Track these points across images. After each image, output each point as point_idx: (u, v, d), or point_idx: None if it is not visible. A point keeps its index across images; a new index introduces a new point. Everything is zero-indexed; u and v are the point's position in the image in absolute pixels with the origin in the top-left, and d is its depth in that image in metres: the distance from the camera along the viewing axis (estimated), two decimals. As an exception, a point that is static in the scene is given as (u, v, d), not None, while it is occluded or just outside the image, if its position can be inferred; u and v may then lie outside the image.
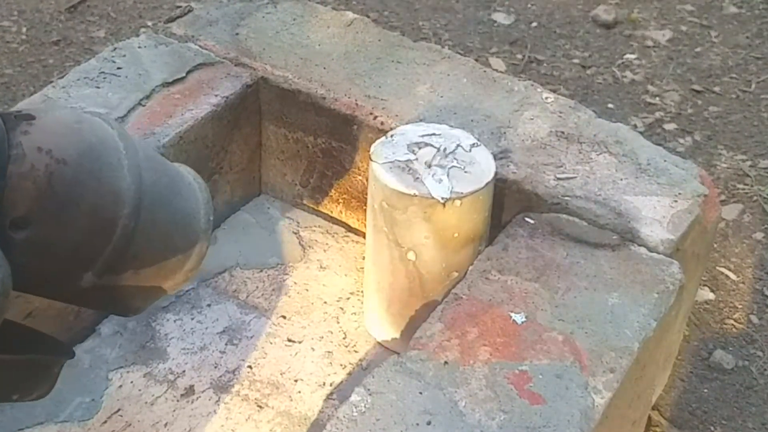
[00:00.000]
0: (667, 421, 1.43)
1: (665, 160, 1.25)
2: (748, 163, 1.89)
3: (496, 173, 1.15)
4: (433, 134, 1.18)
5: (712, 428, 1.42)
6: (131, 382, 1.17)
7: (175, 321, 1.25)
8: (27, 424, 1.12)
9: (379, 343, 1.25)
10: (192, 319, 1.26)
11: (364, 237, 1.25)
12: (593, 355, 1.01)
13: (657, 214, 1.17)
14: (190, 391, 1.17)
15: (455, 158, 1.15)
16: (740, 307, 1.61)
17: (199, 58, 1.36)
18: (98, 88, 1.29)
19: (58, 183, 0.81)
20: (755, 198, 1.82)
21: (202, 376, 1.19)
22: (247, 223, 1.41)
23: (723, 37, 2.25)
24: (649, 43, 2.22)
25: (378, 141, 1.18)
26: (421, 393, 0.97)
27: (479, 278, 1.10)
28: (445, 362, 1.00)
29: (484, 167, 1.14)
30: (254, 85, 1.34)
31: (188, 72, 1.33)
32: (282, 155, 1.40)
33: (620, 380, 1.00)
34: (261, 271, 1.33)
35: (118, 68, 1.33)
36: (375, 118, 1.29)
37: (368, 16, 1.96)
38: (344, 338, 1.25)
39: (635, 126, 1.96)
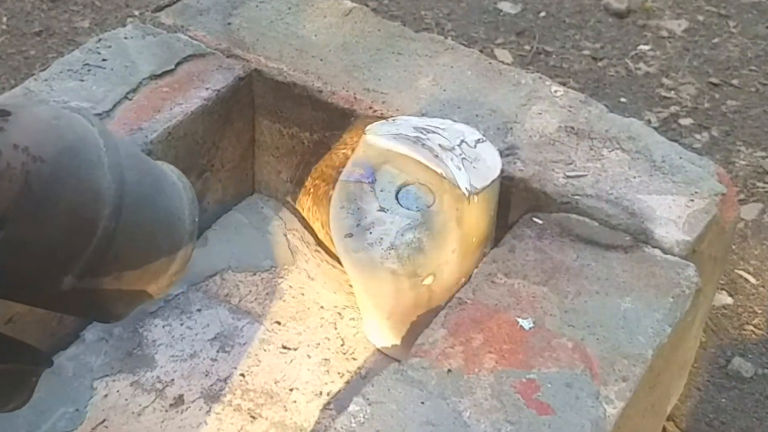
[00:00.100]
0: (682, 432, 1.43)
1: (681, 157, 1.24)
2: (768, 159, 1.89)
3: (502, 170, 1.14)
4: (438, 128, 1.17)
5: (730, 439, 1.42)
6: (117, 391, 1.17)
7: (163, 327, 1.25)
8: (7, 436, 1.12)
9: (378, 350, 1.24)
10: (181, 324, 1.25)
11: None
12: (605, 363, 1.01)
13: (672, 214, 1.16)
14: (179, 400, 1.17)
15: (462, 151, 1.14)
16: (760, 312, 1.60)
17: (188, 49, 1.35)
18: (82, 81, 1.29)
19: (36, 182, 0.80)
20: (776, 196, 1.81)
21: (192, 384, 1.18)
22: (239, 224, 1.40)
23: (742, 27, 2.24)
24: (664, 33, 2.22)
25: (375, 123, 1.17)
26: (423, 403, 0.97)
27: (484, 282, 1.09)
28: (449, 370, 1.00)
29: (489, 164, 1.14)
30: (247, 77, 1.34)
31: (177, 64, 1.33)
32: (276, 152, 1.40)
33: (633, 389, 0.99)
34: (254, 274, 1.33)
35: (104, 60, 1.32)
36: (374, 112, 1.28)
37: (367, 5, 1.95)
38: (342, 345, 1.24)
39: (649, 121, 1.95)
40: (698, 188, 1.20)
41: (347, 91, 1.31)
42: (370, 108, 1.29)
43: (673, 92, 2.05)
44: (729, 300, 1.62)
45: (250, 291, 1.31)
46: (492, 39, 2.18)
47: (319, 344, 1.24)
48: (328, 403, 1.17)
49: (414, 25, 2.16)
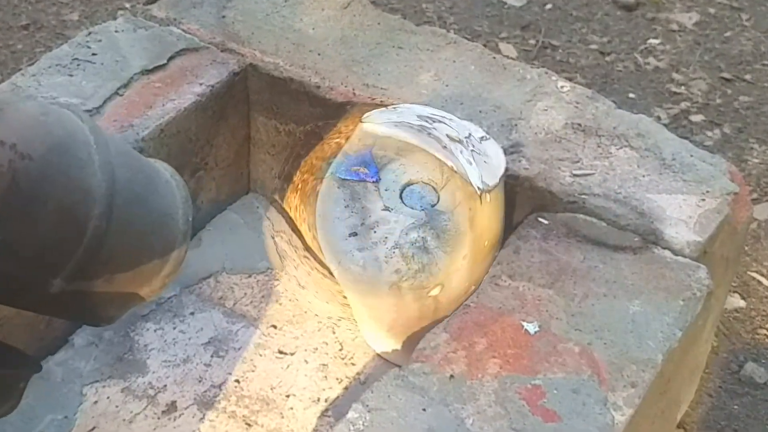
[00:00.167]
0: (693, 439, 1.43)
1: (692, 155, 1.24)
2: (782, 157, 1.90)
3: (507, 168, 1.14)
4: (444, 117, 1.17)
5: (743, 448, 1.42)
6: (107, 397, 1.17)
7: (155, 331, 1.25)
8: (-7, 444, 1.12)
9: (378, 355, 1.24)
10: (174, 328, 1.25)
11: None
12: (613, 368, 1.01)
13: (682, 213, 1.17)
14: (171, 407, 1.17)
15: (472, 145, 1.13)
16: (774, 315, 1.60)
17: (181, 43, 1.36)
18: (71, 76, 1.29)
19: (24, 180, 0.80)
20: (790, 196, 1.82)
21: (185, 391, 1.18)
22: (234, 224, 1.40)
23: (755, 20, 2.24)
24: (674, 26, 2.22)
25: (374, 111, 1.17)
26: (424, 410, 0.97)
27: (488, 284, 1.09)
28: (451, 376, 1.00)
29: (495, 162, 1.14)
30: (242, 72, 1.34)
31: (170, 58, 1.33)
32: (272, 149, 1.40)
33: (642, 396, 1.00)
34: (249, 276, 1.33)
35: (93, 54, 1.33)
36: (373, 100, 1.28)
37: (367, -2, 1.96)
38: (340, 350, 1.24)
39: (659, 118, 1.95)
40: (710, 187, 1.20)
41: (346, 86, 1.31)
42: (369, 98, 1.29)
43: (683, 88, 2.05)
44: (741, 303, 1.62)
45: (245, 294, 1.31)
46: (496, 33, 2.18)
47: (316, 349, 1.24)
48: (326, 410, 1.17)
49: (415, 19, 2.16)
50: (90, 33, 1.37)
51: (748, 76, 2.09)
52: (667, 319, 1.06)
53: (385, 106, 1.22)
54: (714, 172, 1.22)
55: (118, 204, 0.86)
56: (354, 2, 1.46)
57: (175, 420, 1.15)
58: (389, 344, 1.22)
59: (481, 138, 1.17)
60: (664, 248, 1.14)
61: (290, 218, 1.39)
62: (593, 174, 1.21)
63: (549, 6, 2.27)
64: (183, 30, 1.38)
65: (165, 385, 1.19)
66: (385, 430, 0.95)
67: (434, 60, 1.36)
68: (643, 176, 1.21)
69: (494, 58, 1.38)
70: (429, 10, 2.24)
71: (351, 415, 0.97)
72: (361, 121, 1.14)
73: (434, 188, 1.10)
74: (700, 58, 2.13)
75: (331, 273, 1.22)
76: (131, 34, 1.37)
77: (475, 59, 1.37)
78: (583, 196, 1.18)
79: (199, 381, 1.20)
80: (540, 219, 1.17)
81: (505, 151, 1.18)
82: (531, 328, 1.05)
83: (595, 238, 1.14)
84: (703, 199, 1.18)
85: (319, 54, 1.36)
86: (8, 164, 0.80)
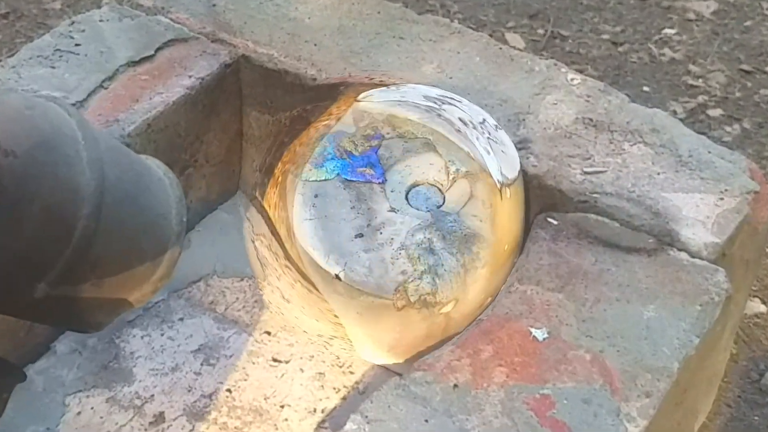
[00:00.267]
0: (711, 453, 1.43)
1: (709, 152, 1.25)
2: (806, 154, 1.90)
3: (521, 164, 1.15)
4: (454, 99, 1.17)
5: (763, 461, 1.43)
6: (92, 408, 1.17)
7: (142, 337, 1.25)
8: (-29, 457, 1.12)
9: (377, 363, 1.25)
10: (162, 335, 1.26)
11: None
12: (626, 377, 1.02)
13: (700, 213, 1.17)
14: (159, 418, 1.17)
15: (488, 132, 1.14)
16: (796, 321, 1.61)
17: (170, 34, 1.36)
18: (53, 68, 1.29)
19: (7, 178, 0.80)
20: (813, 195, 1.82)
21: (174, 401, 1.19)
22: (225, 224, 1.41)
23: (776, 9, 2.25)
24: (691, 15, 2.22)
25: (372, 90, 1.17)
26: (427, 421, 0.97)
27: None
28: (455, 385, 1.01)
29: (512, 153, 1.13)
30: (234, 64, 1.34)
31: (157, 49, 1.34)
32: (263, 144, 1.40)
33: (657, 406, 1.00)
34: (241, 279, 1.33)
35: (77, 45, 1.33)
36: (371, 80, 1.28)
37: (366, -15, 1.96)
38: (338, 358, 1.25)
39: (675, 112, 1.96)
40: (728, 185, 1.20)
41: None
42: (367, 78, 1.29)
43: (701, 80, 2.06)
44: (762, 308, 1.62)
45: (237, 298, 1.31)
46: (502, 22, 2.19)
47: (312, 357, 1.25)
48: (323, 421, 1.17)
49: (417, 7, 2.16)
50: (73, 22, 1.37)
51: (769, 68, 2.10)
52: (684, 325, 1.06)
53: (386, 85, 1.22)
54: (733, 169, 1.23)
55: (108, 203, 0.86)
56: (352, -10, 1.46)
57: (163, 432, 1.16)
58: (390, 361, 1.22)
59: (496, 126, 1.17)
60: (680, 250, 1.14)
61: (269, 219, 1.37)
62: (605, 171, 1.21)
63: (558, -7, 2.28)
64: (171, 19, 1.39)
65: (152, 395, 1.19)
66: (386, 442, 0.96)
67: (437, 51, 1.37)
68: (658, 174, 1.21)
69: (500, 48, 1.38)
70: (431, -3, 2.25)
71: (349, 426, 0.97)
72: (357, 101, 1.14)
73: (440, 189, 1.12)
74: (719, 48, 2.14)
75: (316, 287, 1.22)
76: (116, 24, 1.37)
77: (481, 50, 1.37)
78: (594, 195, 1.18)
79: (189, 390, 1.20)
80: (549, 219, 1.17)
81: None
82: (539, 334, 1.05)
83: (607, 240, 1.15)
84: (722, 198, 1.19)
85: (315, 44, 1.36)
86: (-9, 162, 0.80)
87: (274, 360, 1.24)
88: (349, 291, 1.08)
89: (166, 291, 1.29)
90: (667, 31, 2.18)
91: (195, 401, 1.19)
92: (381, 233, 1.09)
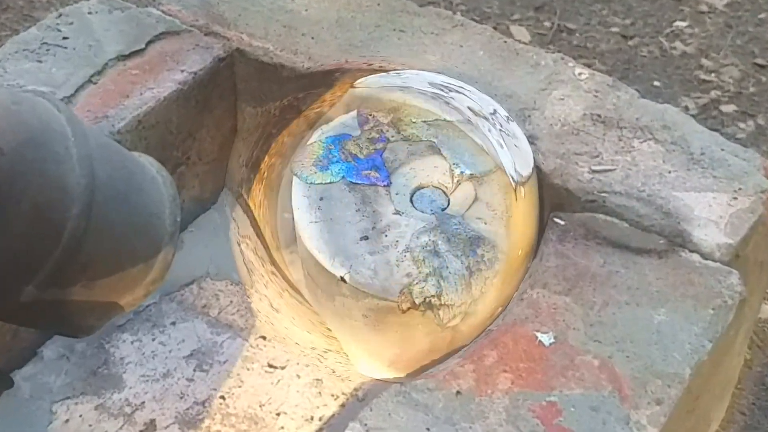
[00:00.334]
0: (724, 462, 1.43)
1: (722, 149, 1.25)
2: (823, 152, 1.90)
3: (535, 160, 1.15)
4: (462, 87, 1.17)
5: (778, 471, 1.43)
6: (80, 415, 1.18)
7: (132, 342, 1.25)
8: (-45, 467, 1.12)
9: (378, 368, 1.25)
10: (153, 339, 1.26)
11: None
12: (636, 384, 1.02)
13: (712, 213, 1.17)
14: (150, 426, 1.17)
15: (500, 124, 1.14)
16: (813, 325, 1.61)
17: (161, 26, 1.36)
18: (40, 62, 1.29)
19: None
20: (831, 194, 1.82)
21: (165, 408, 1.19)
22: (219, 225, 1.41)
23: (792, 1, 2.25)
24: (704, 7, 2.23)
25: (371, 76, 1.17)
26: (428, 429, 0.98)
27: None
28: (458, 392, 1.01)
29: (525, 147, 1.14)
30: (228, 58, 1.35)
31: (148, 43, 1.34)
32: (253, 138, 1.40)
33: (668, 414, 1.00)
34: (236, 283, 1.33)
35: (64, 38, 1.33)
36: (369, 65, 1.28)
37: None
38: (334, 371, 1.25)
39: (686, 108, 1.96)
40: (742, 184, 1.20)
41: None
42: (366, 63, 1.29)
43: (713, 75, 2.06)
44: (777, 312, 1.63)
45: (231, 302, 1.31)
46: (507, 14, 2.19)
47: (309, 363, 1.25)
48: (321, 430, 1.18)
49: (417, -2, 2.16)
50: (60, 15, 1.37)
51: (784, 62, 2.10)
52: (696, 330, 1.07)
53: (386, 71, 1.22)
54: (747, 167, 1.23)
55: (99, 202, 0.86)
56: (351, -19, 1.47)
57: (154, 440, 1.16)
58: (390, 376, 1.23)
59: (507, 118, 1.17)
60: (692, 251, 1.14)
61: (254, 219, 1.38)
62: (614, 170, 1.21)
63: (565, -16, 2.28)
64: (163, 11, 1.39)
65: (143, 402, 1.19)
66: (386, 451, 0.96)
67: (439, 44, 1.37)
68: (669, 172, 1.21)
69: (505, 42, 1.39)
70: (433, -12, 2.25)
71: (348, 434, 0.97)
72: (353, 86, 1.15)
73: (444, 192, 1.14)
74: (732, 42, 2.14)
75: (305, 298, 1.23)
76: (106, 16, 1.37)
77: (484, 43, 1.38)
78: (602, 194, 1.19)
79: (181, 397, 1.20)
80: (556, 219, 1.18)
81: (518, 145, 1.19)
82: (546, 339, 1.05)
83: (616, 241, 1.15)
84: (735, 198, 1.19)
85: (312, 38, 1.36)
86: (-24, 159, 0.80)
87: (270, 366, 1.24)
88: (354, 293, 1.09)
89: (158, 294, 1.29)
90: (679, 23, 2.18)
91: (187, 408, 1.19)
92: (386, 236, 1.11)
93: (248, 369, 1.23)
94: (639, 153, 1.24)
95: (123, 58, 1.31)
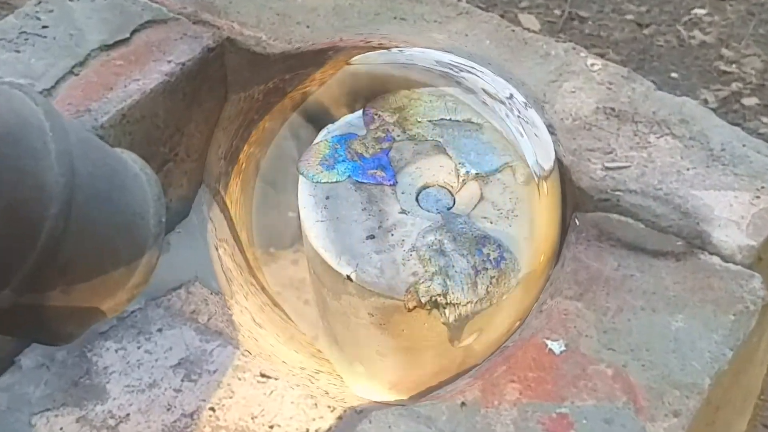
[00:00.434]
0: (746, 478, 1.43)
1: (744, 145, 1.25)
2: None
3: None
4: (475, 68, 1.18)
5: (804, 488, 1.43)
6: (61, 428, 1.17)
7: (116, 350, 1.25)
8: (-73, 483, 1.12)
9: (377, 378, 1.25)
10: (138, 348, 1.26)
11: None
12: (652, 394, 1.02)
13: (734, 213, 1.17)
14: (135, 440, 1.17)
15: (517, 109, 1.15)
16: (840, 332, 1.61)
17: (147, 14, 1.36)
18: (18, 52, 1.29)
19: None
20: None
21: (152, 420, 1.19)
22: (196, 226, 1.40)
23: (818, -13, 2.25)
24: (724, -6, 2.23)
25: (368, 53, 1.19)
26: (431, 443, 0.98)
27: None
28: (463, 403, 1.01)
29: (545, 137, 1.15)
30: (218, 48, 1.35)
31: (133, 32, 1.34)
32: (233, 127, 1.40)
33: (687, 426, 1.00)
34: (216, 292, 1.33)
35: (44, 27, 1.33)
36: (367, 43, 1.28)
37: (364, -40, 1.96)
38: (327, 393, 1.25)
39: (706, 101, 1.96)
40: (765, 182, 1.20)
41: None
42: (363, 41, 1.29)
43: (734, 66, 2.06)
44: (802, 318, 1.62)
45: (221, 307, 1.31)
46: (515, 1, 2.19)
47: (300, 383, 1.25)
48: (317, 443, 1.18)
49: (419, -16, 2.16)
50: (40, 2, 1.37)
51: (810, 53, 2.10)
52: (716, 337, 1.06)
53: (387, 48, 1.23)
54: (770, 164, 1.23)
55: (78, 201, 0.86)
56: (349, -34, 1.47)
57: (139, 455, 1.16)
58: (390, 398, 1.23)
59: (525, 104, 1.18)
60: (712, 254, 1.14)
61: (230, 219, 1.38)
62: (629, 167, 1.21)
63: (577, -30, 2.28)
64: (148, -2, 1.39)
65: (128, 414, 1.19)
66: (386, 466, 0.96)
67: (443, 33, 1.37)
68: (688, 169, 1.21)
69: (513, 31, 1.38)
70: (436, -26, 2.25)
71: (346, 448, 0.98)
72: (348, 63, 1.15)
73: (450, 191, 1.17)
74: (754, 31, 2.14)
75: (288, 315, 1.23)
76: (88, 4, 1.37)
77: (491, 32, 1.38)
78: (617, 193, 1.19)
79: (168, 409, 1.20)
80: (576, 221, 1.18)
81: (526, 141, 1.19)
82: (556, 347, 1.05)
83: (630, 242, 1.15)
84: (758, 197, 1.19)
85: (308, 26, 1.36)
86: (-52, 156, 0.80)
87: (263, 375, 1.24)
88: (360, 292, 1.12)
89: (144, 299, 1.29)
90: (698, 11, 2.18)
91: (175, 421, 1.19)
92: (392, 235, 1.14)
93: (239, 379, 1.23)
94: (655, 149, 1.24)
95: (106, 48, 1.31)
